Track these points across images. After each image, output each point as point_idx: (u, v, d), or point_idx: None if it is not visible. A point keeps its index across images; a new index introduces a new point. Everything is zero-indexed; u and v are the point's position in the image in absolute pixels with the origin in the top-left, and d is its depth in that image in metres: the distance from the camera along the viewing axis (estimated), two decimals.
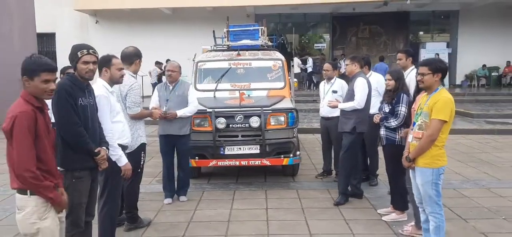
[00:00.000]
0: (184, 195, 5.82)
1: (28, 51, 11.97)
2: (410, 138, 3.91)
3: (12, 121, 2.69)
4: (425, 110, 3.70)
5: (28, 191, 2.77)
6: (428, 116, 3.66)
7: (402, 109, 4.73)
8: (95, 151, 3.32)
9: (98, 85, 3.79)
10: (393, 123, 4.77)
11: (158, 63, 18.05)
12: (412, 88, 4.90)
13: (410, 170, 3.96)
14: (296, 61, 18.90)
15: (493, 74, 20.38)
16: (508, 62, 20.06)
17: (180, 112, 5.47)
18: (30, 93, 2.81)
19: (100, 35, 20.63)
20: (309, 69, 20.02)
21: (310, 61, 20.26)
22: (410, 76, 5.38)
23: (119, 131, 3.86)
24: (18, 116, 2.70)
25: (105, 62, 3.93)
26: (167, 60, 18.56)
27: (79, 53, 3.36)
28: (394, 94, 4.87)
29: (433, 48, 20.09)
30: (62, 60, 18.81)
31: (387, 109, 4.92)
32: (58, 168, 3.08)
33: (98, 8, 19.95)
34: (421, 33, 23.34)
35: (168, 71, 5.64)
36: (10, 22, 13.91)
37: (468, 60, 20.60)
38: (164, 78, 19.03)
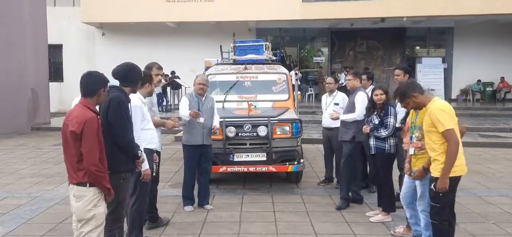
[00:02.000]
0: (208, 203, 6.06)
1: (40, 62, 12.72)
2: (411, 150, 4.37)
3: (83, 125, 3.23)
4: (418, 124, 4.17)
5: (87, 184, 3.33)
6: (421, 127, 4.10)
7: (391, 120, 5.25)
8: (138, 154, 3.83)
9: (134, 96, 4.22)
10: (383, 133, 5.27)
11: (163, 74, 18.51)
12: None
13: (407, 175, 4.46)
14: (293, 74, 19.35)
15: (487, 89, 20.90)
16: (502, 77, 20.58)
17: (215, 124, 5.90)
18: (95, 103, 3.42)
19: (106, 47, 21.19)
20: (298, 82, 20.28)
21: (298, 74, 20.43)
22: None
23: (148, 138, 4.34)
24: (88, 120, 3.27)
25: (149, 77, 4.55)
26: (172, 72, 19.15)
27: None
28: (383, 107, 5.37)
29: (429, 63, 20.64)
30: (69, 71, 19.70)
31: (376, 120, 5.41)
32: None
33: (105, 21, 20.47)
34: (417, 48, 23.88)
35: (201, 84, 5.86)
36: (23, 34, 14.43)
37: (463, 75, 21.11)
38: (168, 88, 19.59)
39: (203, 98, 5.91)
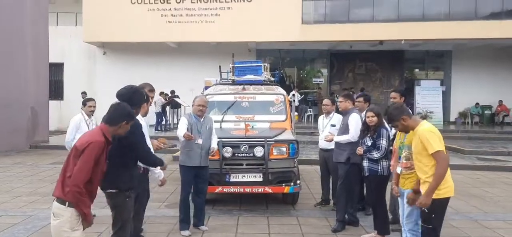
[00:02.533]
0: (203, 224, 6.03)
1: (40, 80, 12.86)
2: (398, 169, 4.43)
3: (86, 145, 3.30)
4: (406, 143, 4.22)
5: (66, 202, 3.29)
6: (410, 147, 4.15)
7: (383, 143, 5.29)
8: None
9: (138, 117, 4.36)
10: (376, 155, 5.30)
11: (162, 94, 18.66)
12: None
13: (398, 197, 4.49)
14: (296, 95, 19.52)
15: (486, 112, 20.99)
16: (500, 101, 20.68)
17: (214, 145, 5.94)
18: (112, 132, 3.52)
19: (107, 66, 21.41)
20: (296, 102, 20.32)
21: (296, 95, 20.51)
22: None
23: None
24: (93, 143, 3.33)
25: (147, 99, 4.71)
26: (172, 91, 19.26)
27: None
28: (376, 129, 5.40)
29: (428, 86, 20.78)
30: (69, 89, 19.83)
31: (369, 142, 5.44)
32: (110, 190, 3.78)
33: (106, 40, 20.68)
34: (416, 70, 24.06)
35: (200, 105, 5.83)
36: (25, 53, 14.58)
37: (461, 98, 21.23)
38: (167, 108, 19.65)
39: (202, 119, 5.90)
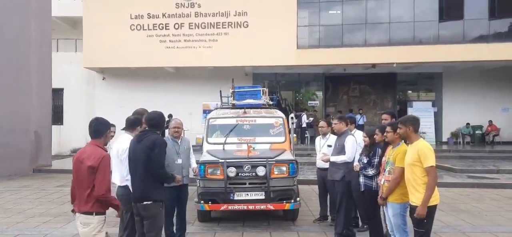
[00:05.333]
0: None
1: (44, 106, 13.36)
2: (382, 180, 5.05)
3: (100, 160, 3.94)
4: (391, 160, 4.77)
5: (94, 212, 3.97)
6: (394, 164, 4.75)
7: (377, 161, 5.78)
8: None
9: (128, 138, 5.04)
10: (370, 172, 5.78)
11: None
12: None
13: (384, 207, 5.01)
14: (304, 117, 20.23)
15: (476, 132, 21.55)
16: (490, 121, 21.23)
17: (194, 165, 6.41)
18: (103, 143, 4.17)
19: (106, 91, 21.90)
20: (304, 125, 20.95)
21: (304, 116, 21.16)
22: None
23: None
24: (105, 157, 3.99)
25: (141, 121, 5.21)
26: (169, 115, 19.64)
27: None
28: (371, 148, 5.91)
29: (420, 107, 21.23)
30: (69, 114, 20.18)
31: (365, 160, 5.97)
32: (147, 202, 4.43)
33: (105, 66, 21.19)
34: (409, 92, 24.67)
35: (175, 127, 6.13)
36: (30, 80, 15.01)
37: (453, 118, 21.79)
38: (166, 131, 20.03)
39: (179, 141, 6.19)
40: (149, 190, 4.37)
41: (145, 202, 4.43)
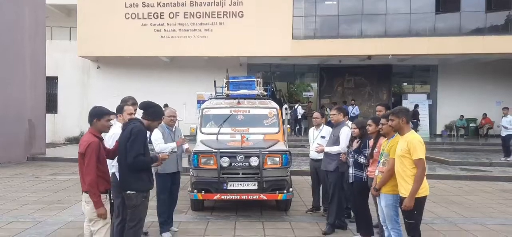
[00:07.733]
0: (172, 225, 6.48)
1: (38, 94, 13.35)
2: (376, 172, 5.06)
3: (86, 147, 4.08)
4: (386, 151, 4.78)
5: None
6: (388, 155, 4.73)
7: (367, 152, 5.80)
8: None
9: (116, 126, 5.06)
10: (361, 159, 5.77)
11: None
12: None
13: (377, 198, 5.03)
14: (299, 109, 20.24)
15: (471, 125, 21.68)
16: (485, 114, 21.33)
17: (187, 145, 6.46)
18: (96, 130, 4.24)
19: (101, 80, 21.81)
20: (299, 116, 20.98)
21: (299, 108, 21.20)
22: None
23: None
24: (91, 143, 4.10)
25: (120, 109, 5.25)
26: (165, 105, 19.61)
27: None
28: (361, 139, 5.93)
29: (414, 100, 21.38)
30: (63, 102, 20.10)
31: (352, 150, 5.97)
32: (129, 191, 4.38)
33: (100, 54, 21.09)
34: (404, 84, 24.71)
35: (171, 116, 6.29)
36: (24, 67, 14.93)
37: (447, 111, 21.93)
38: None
39: (173, 129, 6.40)
40: (130, 180, 4.36)
41: (128, 191, 4.41)
